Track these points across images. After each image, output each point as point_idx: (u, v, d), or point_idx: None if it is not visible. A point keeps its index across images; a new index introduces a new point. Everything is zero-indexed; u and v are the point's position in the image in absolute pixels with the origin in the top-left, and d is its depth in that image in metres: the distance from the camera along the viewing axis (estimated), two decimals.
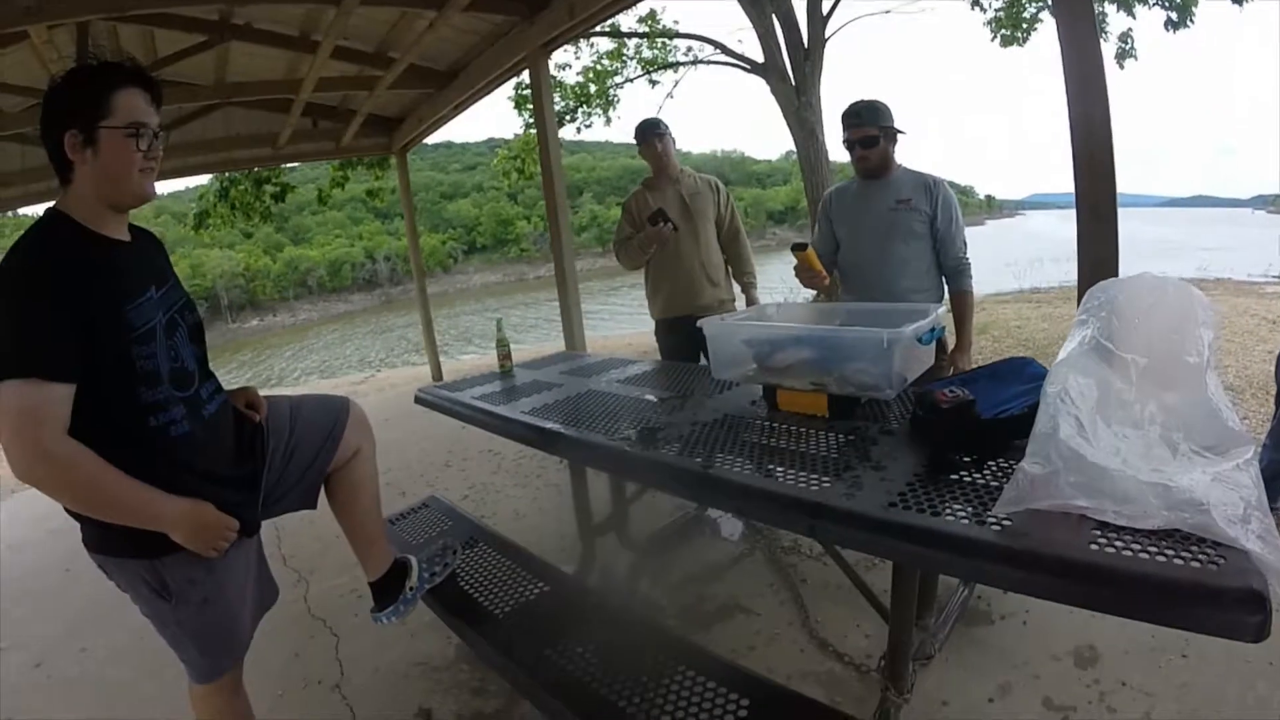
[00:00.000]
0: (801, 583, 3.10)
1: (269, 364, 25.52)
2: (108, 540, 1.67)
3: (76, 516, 1.64)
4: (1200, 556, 1.12)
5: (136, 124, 1.60)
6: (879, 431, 1.93)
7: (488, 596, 2.45)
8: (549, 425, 2.37)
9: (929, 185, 3.06)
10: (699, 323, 2.41)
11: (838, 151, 9.91)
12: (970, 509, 1.39)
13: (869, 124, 3.04)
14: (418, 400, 3.23)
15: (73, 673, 3.12)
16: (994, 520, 1.32)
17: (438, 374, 9.52)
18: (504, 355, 3.37)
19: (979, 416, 1.69)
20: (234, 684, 1.98)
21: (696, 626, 2.88)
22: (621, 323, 20.11)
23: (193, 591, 1.74)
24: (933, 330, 2.17)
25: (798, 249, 2.92)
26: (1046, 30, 9.56)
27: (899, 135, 3.10)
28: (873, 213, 3.12)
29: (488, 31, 5.61)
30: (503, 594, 2.46)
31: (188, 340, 1.76)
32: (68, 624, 3.46)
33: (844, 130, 3.09)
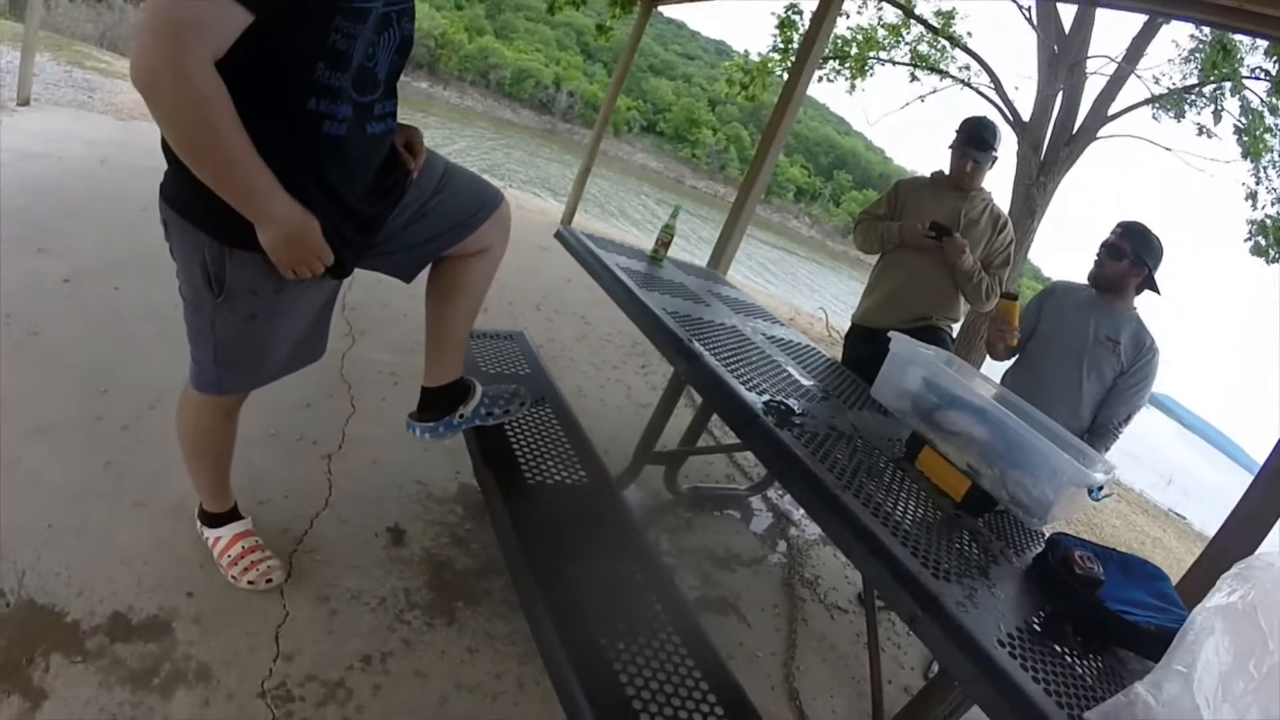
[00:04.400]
0: (803, 621, 2.92)
1: (432, 131, 25.78)
2: (190, 198, 1.44)
3: (168, 156, 1.42)
4: None
5: None
6: (1000, 551, 1.75)
7: (528, 461, 2.26)
8: (686, 337, 2.16)
9: (1143, 343, 2.91)
10: (891, 333, 2.17)
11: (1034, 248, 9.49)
12: (1062, 694, 1.29)
13: (1130, 242, 2.88)
14: (558, 237, 3.04)
15: (96, 304, 3.05)
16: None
17: (569, 219, 9.37)
18: (663, 242, 3.18)
19: (1104, 603, 1.57)
20: (230, 408, 1.84)
21: (691, 606, 2.69)
22: (745, 270, 19.86)
23: (247, 301, 1.56)
24: (1103, 489, 1.93)
25: (1007, 297, 2.94)
26: None
27: (1149, 280, 2.94)
28: (1079, 332, 2.97)
29: None
30: (544, 466, 2.26)
31: (393, 47, 1.51)
32: (116, 258, 3.40)
33: (1111, 232, 2.95)
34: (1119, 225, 2.95)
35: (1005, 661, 1.25)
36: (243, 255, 1.48)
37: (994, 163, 3.37)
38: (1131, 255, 2.86)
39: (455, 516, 2.61)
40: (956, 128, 3.42)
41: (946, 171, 3.45)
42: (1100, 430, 2.94)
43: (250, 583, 1.97)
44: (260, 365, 1.73)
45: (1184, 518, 13.39)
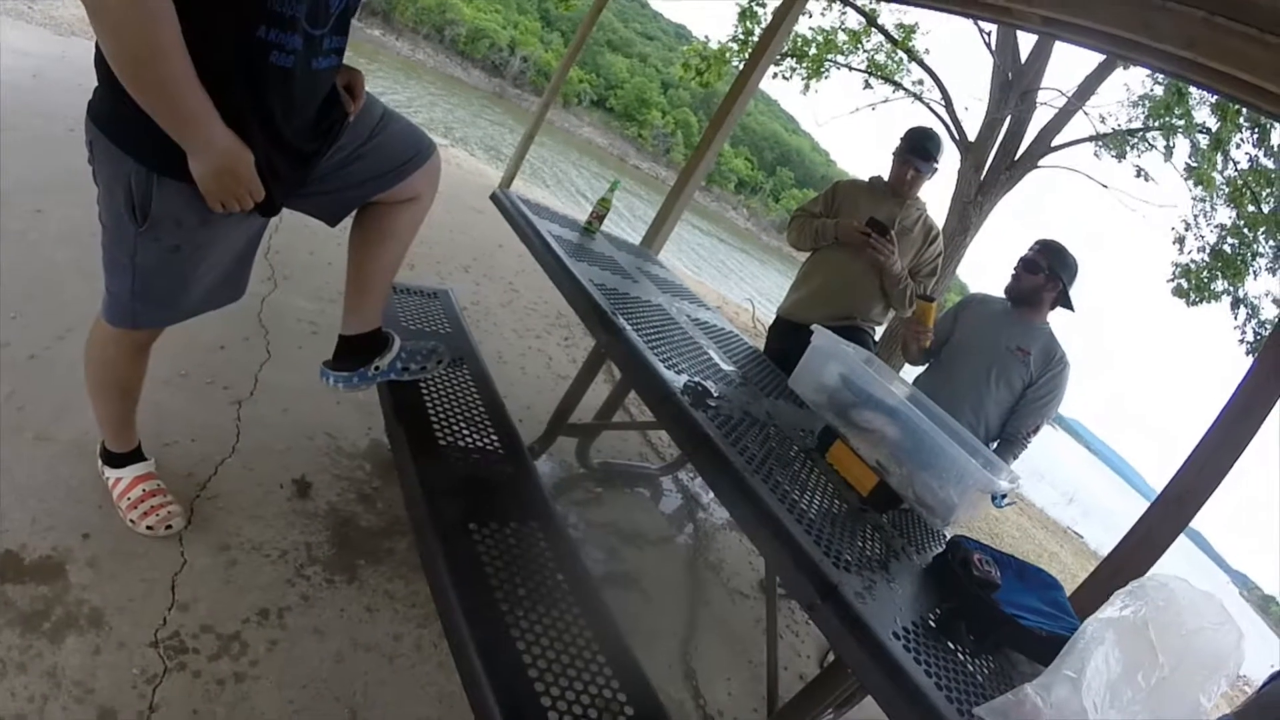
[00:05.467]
0: (704, 604, 2.95)
1: (379, 80, 25.12)
2: (119, 120, 1.37)
3: (101, 73, 1.34)
4: None
5: None
6: (901, 547, 1.79)
7: (441, 421, 2.21)
8: (610, 310, 2.14)
9: (1053, 355, 2.98)
10: (814, 326, 2.18)
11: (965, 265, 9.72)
12: (953, 689, 1.32)
13: (1047, 258, 2.97)
14: (493, 199, 2.99)
15: (14, 226, 2.91)
16: (973, 716, 1.27)
17: (507, 184, 9.26)
18: (598, 215, 3.14)
19: (999, 605, 1.61)
20: (142, 343, 1.77)
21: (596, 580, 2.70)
22: (678, 255, 19.92)
23: (171, 233, 1.49)
24: (1005, 496, 1.97)
25: (923, 299, 3.02)
26: (1218, 308, 9.44)
27: (1063, 296, 3.02)
28: (990, 340, 3.04)
29: None
30: (457, 429, 2.22)
31: None
32: (41, 179, 3.25)
33: (1030, 248, 3.04)
34: (1037, 242, 3.04)
35: (899, 653, 1.27)
36: (170, 184, 1.41)
37: (934, 174, 3.42)
38: (1047, 270, 2.94)
39: (363, 473, 2.56)
40: (902, 135, 3.46)
41: (886, 177, 3.49)
42: (1009, 439, 3.01)
43: (149, 528, 1.91)
44: (178, 301, 1.66)
45: (1081, 536, 13.92)
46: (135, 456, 1.98)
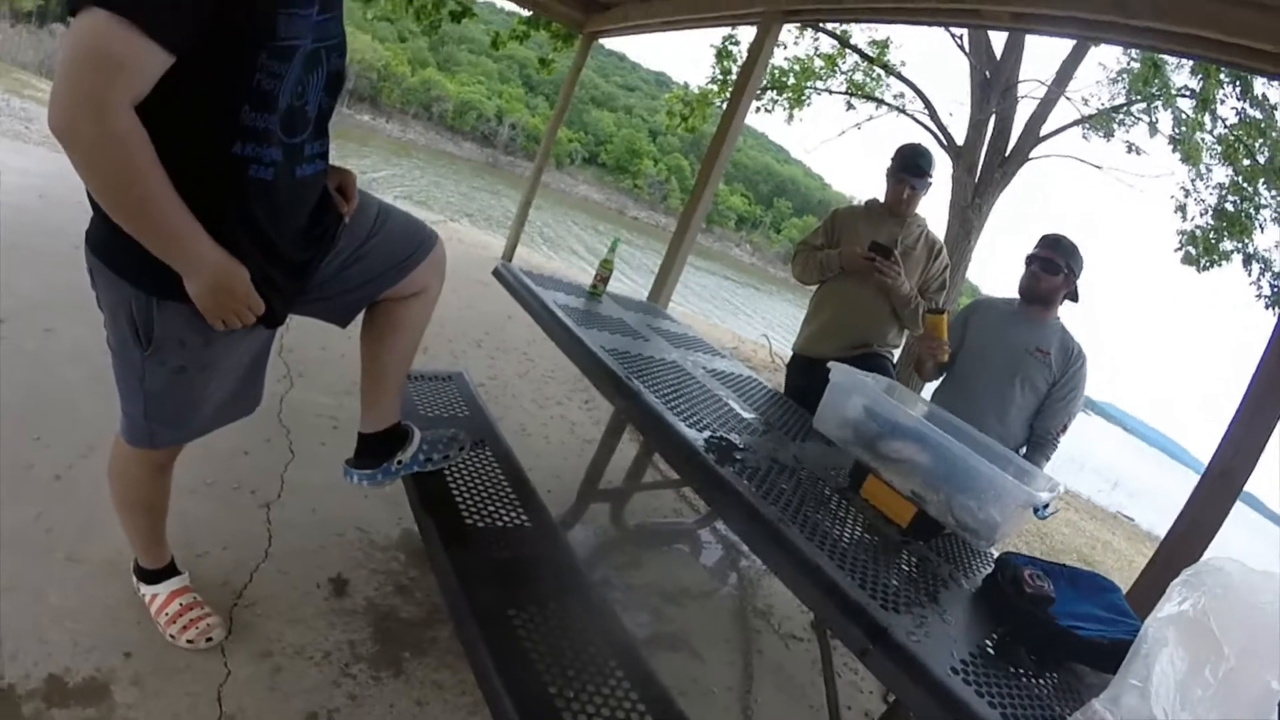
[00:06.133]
0: (758, 653, 2.90)
1: (372, 163, 25.59)
2: (114, 247, 1.38)
3: (92, 202, 1.34)
4: None
5: None
6: (949, 575, 1.74)
7: (468, 506, 2.21)
8: (625, 375, 2.13)
9: (1072, 351, 2.95)
10: (830, 363, 2.16)
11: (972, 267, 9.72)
12: (1023, 715, 1.28)
13: (1063, 256, 2.93)
14: (496, 274, 3.01)
15: (28, 346, 2.95)
16: None
17: (510, 255, 9.33)
18: (602, 278, 3.13)
19: (1055, 620, 1.56)
20: (163, 461, 1.77)
21: (644, 646, 2.65)
22: (688, 300, 20.01)
23: (175, 354, 1.50)
24: (1048, 506, 1.92)
25: (932, 313, 2.99)
26: (1228, 269, 9.36)
27: (1074, 291, 3.00)
28: (1008, 344, 3.01)
29: None
30: (484, 510, 2.21)
31: (322, 85, 1.47)
32: (49, 298, 3.28)
33: (1037, 246, 2.99)
34: (1045, 239, 3.01)
35: (960, 689, 1.23)
36: (170, 306, 1.42)
37: (929, 189, 3.42)
38: (1066, 269, 2.92)
39: (398, 564, 2.54)
40: (892, 155, 3.46)
41: (882, 199, 3.49)
42: (1040, 442, 2.97)
43: (189, 641, 1.89)
44: (191, 420, 1.67)
45: (1131, 519, 13.68)
46: (169, 571, 1.97)
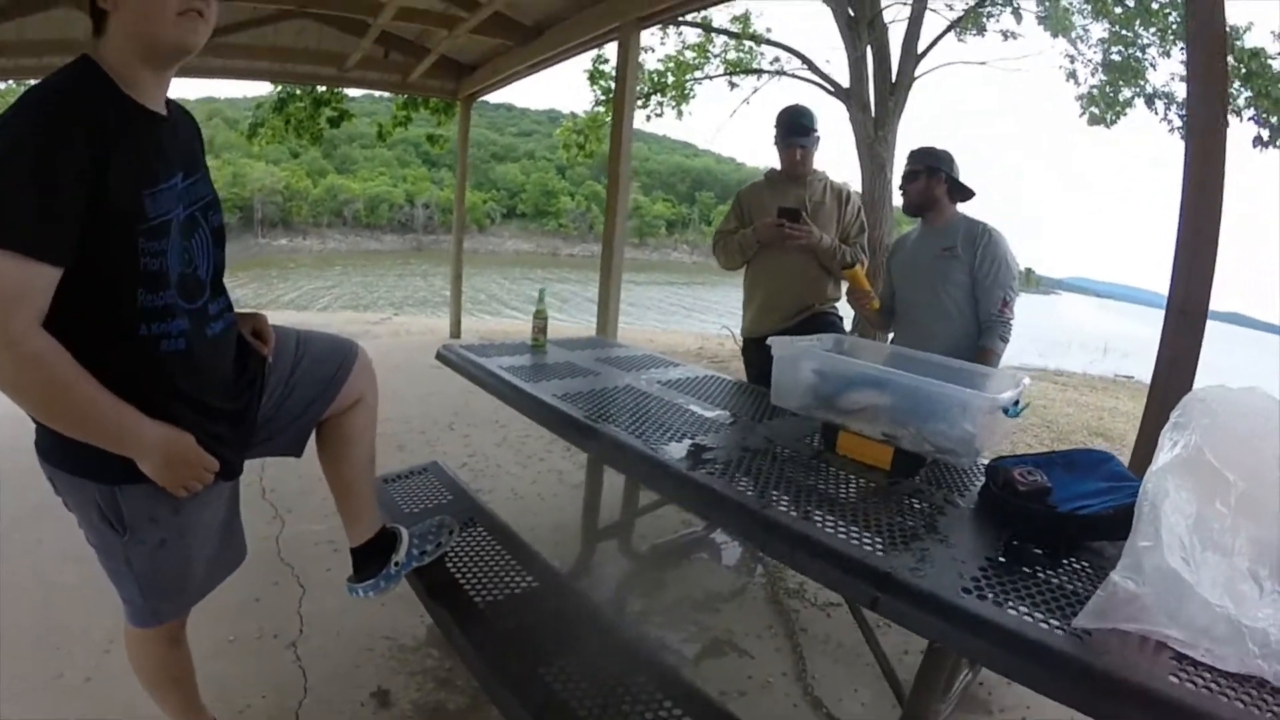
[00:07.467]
0: (802, 631, 2.91)
1: (295, 284, 25.55)
2: (64, 453, 1.43)
3: (32, 415, 1.39)
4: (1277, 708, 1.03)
5: None
6: (944, 500, 1.75)
7: (474, 584, 2.23)
8: (584, 418, 2.15)
9: (975, 233, 3.02)
10: (769, 340, 2.20)
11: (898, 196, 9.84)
12: (1049, 612, 1.25)
13: (915, 161, 3.09)
14: (439, 357, 3.02)
15: (24, 561, 2.95)
16: (1074, 631, 1.19)
17: (457, 330, 9.35)
18: (539, 328, 3.15)
19: (1055, 508, 1.57)
20: (173, 634, 1.78)
21: (686, 659, 2.67)
22: (643, 318, 20.06)
23: (151, 530, 1.52)
24: (1017, 403, 1.96)
25: (845, 268, 3.13)
26: (1134, 117, 9.51)
27: (951, 181, 3.09)
28: (920, 262, 3.12)
29: None
30: (490, 584, 2.24)
31: (207, 245, 1.52)
32: (32, 506, 3.25)
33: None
34: (907, 158, 3.19)
35: (975, 606, 1.24)
36: (132, 489, 1.45)
37: (818, 143, 3.48)
38: (923, 169, 3.04)
39: (433, 659, 2.54)
40: (774, 123, 3.52)
41: (779, 166, 3.55)
42: (987, 326, 3.01)
43: None
44: (187, 586, 1.68)
45: (1131, 377, 13.75)
46: None
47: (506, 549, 2.43)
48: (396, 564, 2.10)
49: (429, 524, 2.29)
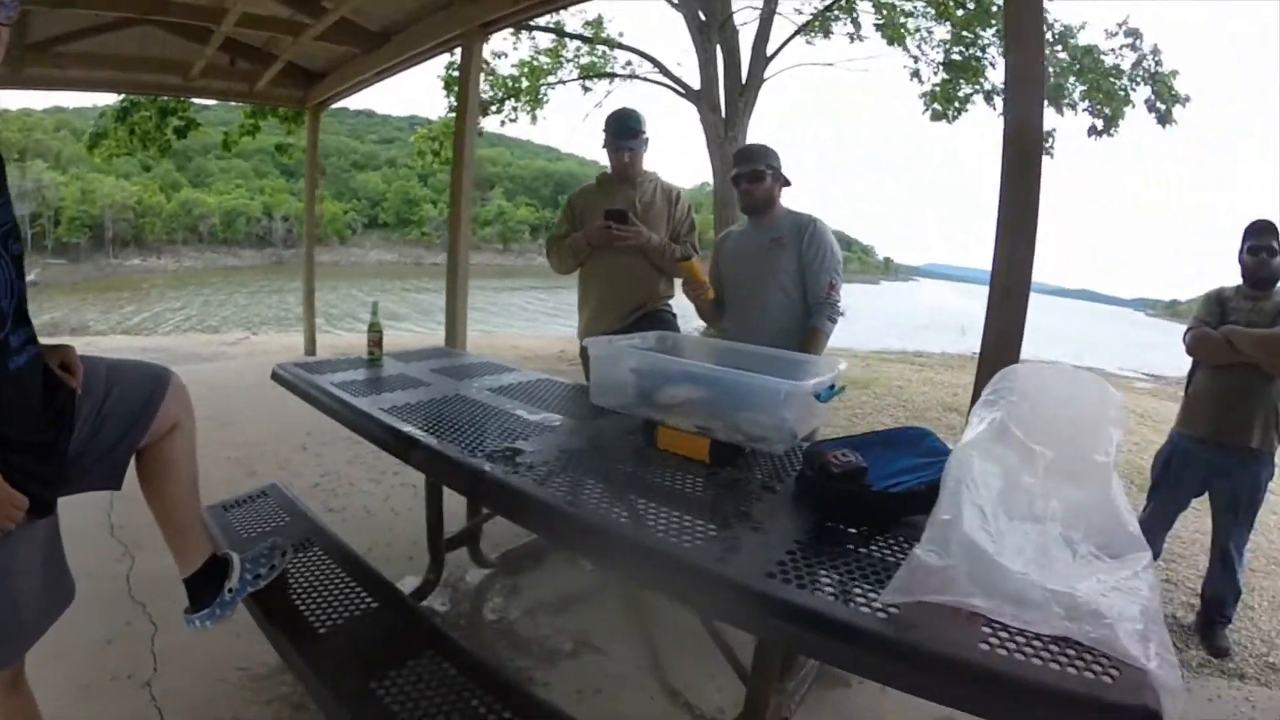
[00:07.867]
0: (656, 623, 2.96)
1: (145, 306, 24.30)
2: None
3: None
4: (1094, 667, 1.07)
5: None
6: (761, 486, 1.81)
7: (313, 608, 2.21)
8: (406, 429, 2.15)
9: (802, 224, 3.12)
10: (584, 341, 2.25)
11: None
12: (854, 590, 1.29)
13: (759, 161, 3.13)
14: (274, 377, 2.96)
15: None
16: (881, 608, 1.21)
17: (312, 348, 9.11)
18: (374, 341, 3.11)
19: (870, 487, 1.62)
20: (9, 681, 1.69)
21: (543, 662, 2.72)
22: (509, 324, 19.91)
23: None
24: (832, 387, 2.06)
25: (682, 260, 3.17)
26: (975, 113, 9.98)
27: (784, 181, 3.19)
28: (751, 252, 3.19)
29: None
30: (330, 607, 2.21)
31: (9, 274, 1.45)
32: None
33: (735, 166, 3.18)
34: (736, 156, 3.24)
35: (780, 590, 1.27)
36: None
37: (646, 144, 3.54)
38: (768, 170, 3.12)
39: (286, 686, 2.51)
40: (603, 127, 3.57)
41: (611, 170, 3.61)
42: (815, 308, 3.10)
43: None
44: (15, 628, 1.60)
45: None
46: None
47: (343, 568, 2.41)
48: (230, 590, 2.06)
49: (260, 548, 2.25)
